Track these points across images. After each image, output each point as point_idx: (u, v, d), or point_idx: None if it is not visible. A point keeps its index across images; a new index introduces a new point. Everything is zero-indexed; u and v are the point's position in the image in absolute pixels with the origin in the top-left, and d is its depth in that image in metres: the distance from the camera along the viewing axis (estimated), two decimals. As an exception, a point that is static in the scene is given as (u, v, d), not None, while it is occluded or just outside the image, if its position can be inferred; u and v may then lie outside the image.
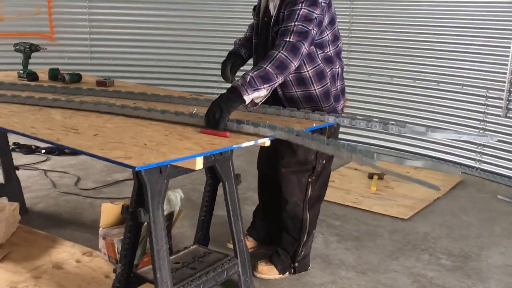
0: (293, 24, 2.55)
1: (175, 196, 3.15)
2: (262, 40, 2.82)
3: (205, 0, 6.28)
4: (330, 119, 2.59)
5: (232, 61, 2.95)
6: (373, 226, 3.77)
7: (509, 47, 4.64)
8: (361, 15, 5.68)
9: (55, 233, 3.41)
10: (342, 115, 2.63)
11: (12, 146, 5.16)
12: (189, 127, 2.43)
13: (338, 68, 2.87)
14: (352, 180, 4.69)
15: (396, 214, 3.95)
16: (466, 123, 5.07)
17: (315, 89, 2.79)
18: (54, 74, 3.57)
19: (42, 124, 2.40)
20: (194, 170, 2.18)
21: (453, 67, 5.14)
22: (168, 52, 6.39)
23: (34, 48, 3.63)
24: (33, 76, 3.53)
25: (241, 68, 3.03)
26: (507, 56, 4.65)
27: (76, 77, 3.52)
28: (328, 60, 2.78)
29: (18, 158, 4.98)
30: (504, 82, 4.70)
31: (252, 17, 3.02)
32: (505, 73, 4.69)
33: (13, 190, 3.73)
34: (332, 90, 2.84)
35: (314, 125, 2.55)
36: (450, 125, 5.16)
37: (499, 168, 4.85)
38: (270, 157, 3.05)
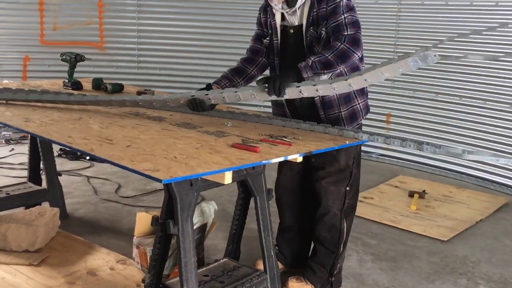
0: (342, 16, 2.66)
1: (209, 208, 3.18)
2: (292, 53, 2.82)
3: (252, 12, 6.30)
4: (364, 137, 2.55)
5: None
6: (410, 247, 3.68)
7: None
8: (407, 30, 5.60)
9: (92, 239, 3.48)
10: (376, 133, 2.58)
11: (59, 152, 5.32)
12: (221, 141, 2.44)
13: (364, 66, 2.91)
14: (391, 198, 4.60)
15: (435, 235, 3.85)
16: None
17: None
18: (98, 84, 3.66)
19: (79, 133, 2.46)
20: (223, 184, 2.19)
21: (502, 85, 4.99)
22: (214, 64, 6.44)
23: (79, 58, 3.75)
24: (77, 85, 3.64)
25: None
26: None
27: (118, 87, 3.60)
28: (361, 57, 2.79)
29: (64, 164, 5.12)
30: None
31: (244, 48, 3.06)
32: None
33: (54, 195, 3.84)
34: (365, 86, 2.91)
35: (347, 142, 2.52)
36: (498, 145, 5.00)
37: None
38: (301, 174, 3.05)
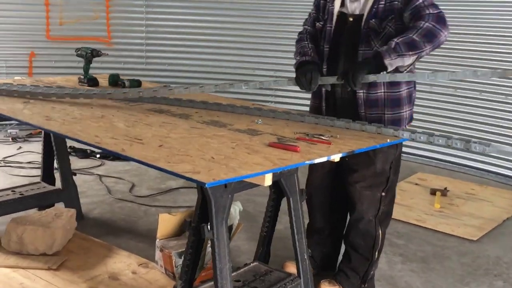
0: (421, 0, 2.48)
1: (234, 209, 3.05)
2: (345, 43, 2.67)
3: (261, 6, 6.18)
4: (405, 135, 2.42)
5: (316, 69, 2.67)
6: (439, 247, 3.56)
7: None
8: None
9: (110, 241, 3.35)
10: (418, 130, 2.45)
11: (68, 150, 5.17)
12: (256, 140, 2.31)
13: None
14: (413, 195, 4.48)
15: (464, 235, 3.72)
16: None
17: (403, 90, 2.67)
18: (114, 80, 3.52)
19: (105, 132, 2.33)
20: (259, 185, 2.07)
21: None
22: (223, 59, 6.31)
23: (95, 53, 3.61)
24: (94, 82, 3.50)
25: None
26: None
27: (136, 83, 3.47)
28: None
29: (74, 162, 4.95)
30: None
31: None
32: None
33: (70, 196, 3.71)
34: (413, 94, 2.75)
35: (388, 140, 2.39)
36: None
37: None
38: (333, 173, 2.91)
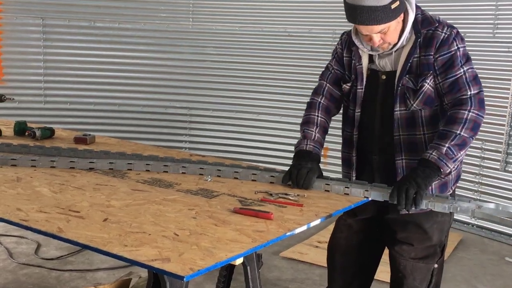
0: (462, 70, 2.17)
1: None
2: (379, 105, 2.29)
3: (174, 41, 5.80)
4: (373, 195, 2.16)
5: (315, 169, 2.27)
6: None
7: (507, 97, 4.43)
8: None
9: (19, 321, 2.81)
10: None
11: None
12: (216, 204, 1.96)
13: None
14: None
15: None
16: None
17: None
18: (21, 129, 3.01)
19: (29, 203, 1.87)
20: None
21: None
22: (132, 96, 5.84)
23: (-1, 97, 3.08)
24: (-4, 131, 2.98)
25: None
26: (505, 107, 4.44)
27: (49, 133, 2.99)
28: None
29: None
30: (502, 134, 4.48)
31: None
32: (503, 125, 4.46)
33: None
34: None
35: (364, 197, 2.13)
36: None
37: (498, 226, 4.58)
38: (364, 234, 2.51)
